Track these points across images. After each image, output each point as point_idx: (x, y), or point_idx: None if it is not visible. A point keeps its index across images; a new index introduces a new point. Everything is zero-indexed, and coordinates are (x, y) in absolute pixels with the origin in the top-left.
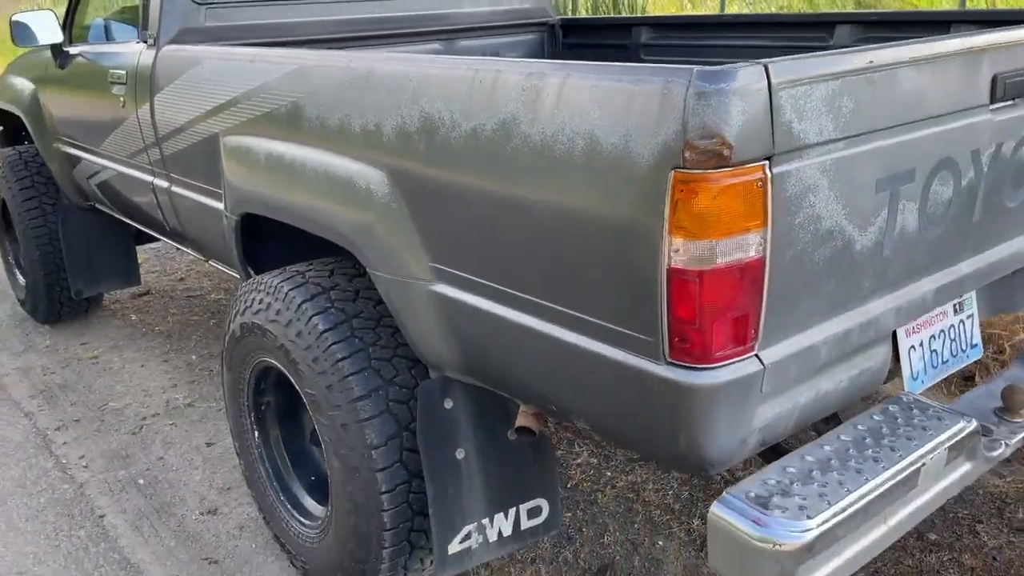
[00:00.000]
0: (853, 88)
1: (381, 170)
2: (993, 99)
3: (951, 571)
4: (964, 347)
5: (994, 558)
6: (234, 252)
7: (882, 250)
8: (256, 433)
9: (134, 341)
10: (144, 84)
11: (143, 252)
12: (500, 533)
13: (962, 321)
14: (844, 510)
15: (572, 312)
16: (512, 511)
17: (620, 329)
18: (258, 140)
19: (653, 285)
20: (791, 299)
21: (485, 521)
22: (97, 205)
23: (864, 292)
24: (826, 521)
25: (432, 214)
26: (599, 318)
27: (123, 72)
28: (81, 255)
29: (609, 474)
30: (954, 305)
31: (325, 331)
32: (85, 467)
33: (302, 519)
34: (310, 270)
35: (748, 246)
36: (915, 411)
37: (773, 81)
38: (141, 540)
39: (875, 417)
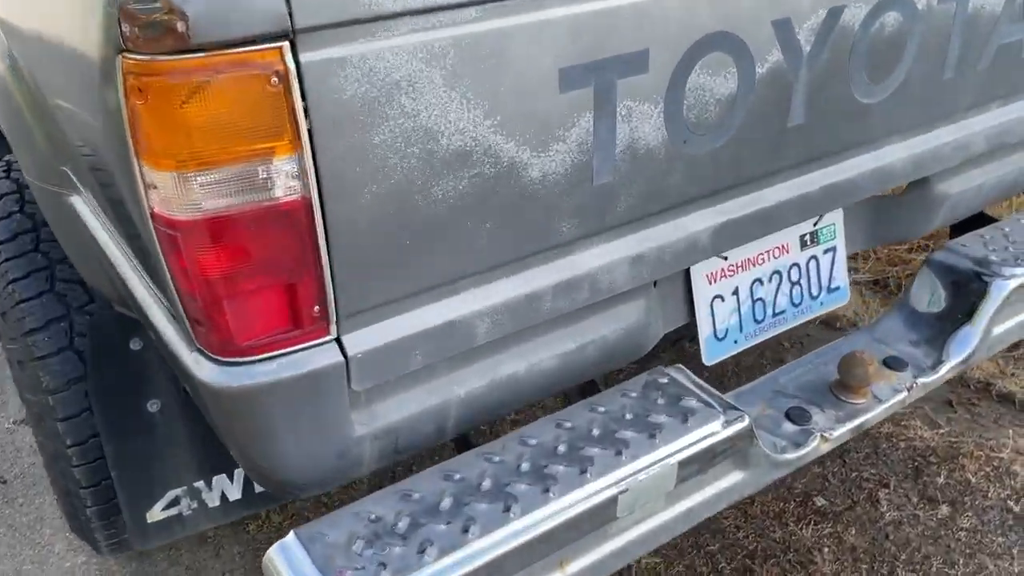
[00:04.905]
0: None
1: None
2: None
3: (825, 549)
4: (816, 291)
5: (887, 536)
6: None
7: (591, 176)
8: None
9: None
10: None
11: None
12: (225, 497)
13: (814, 258)
14: (453, 569)
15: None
16: (239, 472)
17: (162, 298)
18: None
19: (151, 239)
20: (395, 256)
21: (199, 484)
22: None
23: (561, 237)
24: None
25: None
26: (149, 276)
27: None
28: None
29: None
30: (801, 237)
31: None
32: None
33: None
34: (16, 162)
35: (271, 181)
36: (660, 400)
37: None
38: None
39: (597, 410)
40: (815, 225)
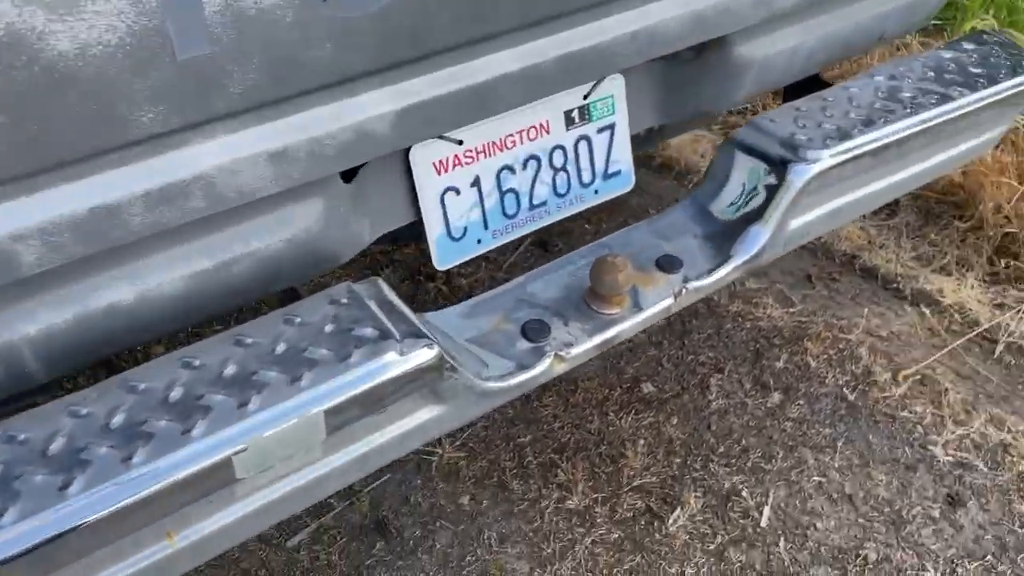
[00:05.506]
0: None
1: None
2: None
3: (641, 441)
4: (588, 178)
5: (709, 427)
6: None
7: (170, 48)
8: None
9: None
10: None
11: None
12: None
13: (585, 138)
14: None
15: None
16: None
17: None
18: None
19: None
20: None
21: None
22: None
23: (141, 131)
24: None
25: None
26: None
27: None
28: None
29: None
30: (567, 114)
31: None
32: None
33: None
34: None
35: None
36: (329, 327)
37: None
38: None
39: (244, 342)
40: (585, 98)
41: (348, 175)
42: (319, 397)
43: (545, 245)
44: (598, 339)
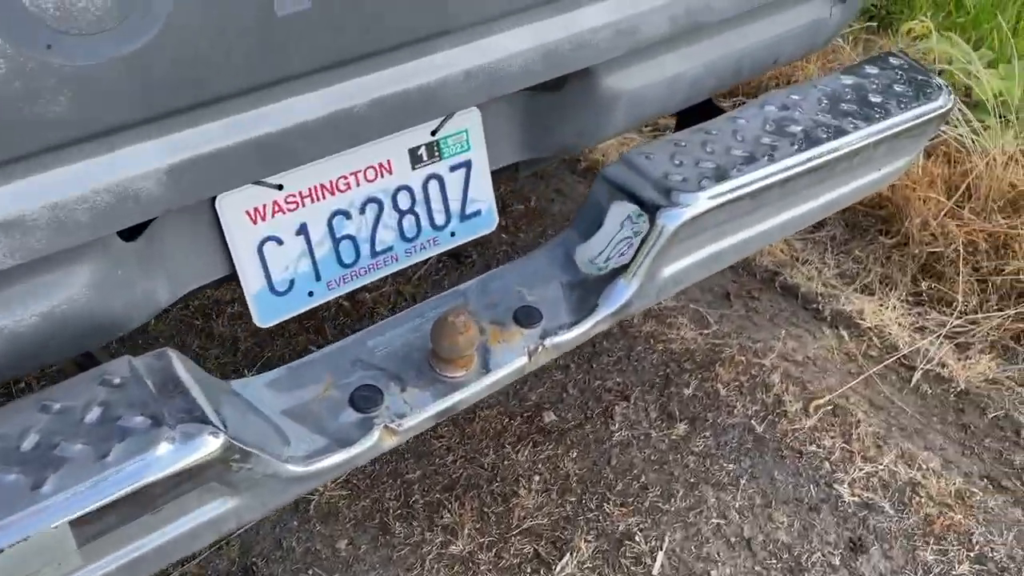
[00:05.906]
0: None
1: None
2: None
3: (536, 478)
4: (442, 220)
5: (609, 461)
6: None
7: None
8: None
9: None
10: None
11: None
12: None
13: (436, 177)
14: None
15: None
16: None
17: None
18: None
19: None
20: None
21: None
22: None
23: None
24: None
25: None
26: None
27: None
28: None
29: None
30: (412, 151)
31: None
32: None
33: None
34: None
35: None
36: (93, 414)
37: None
38: None
39: None
40: (434, 134)
41: (133, 231)
42: (60, 507)
43: (458, 256)
44: (437, 408)
